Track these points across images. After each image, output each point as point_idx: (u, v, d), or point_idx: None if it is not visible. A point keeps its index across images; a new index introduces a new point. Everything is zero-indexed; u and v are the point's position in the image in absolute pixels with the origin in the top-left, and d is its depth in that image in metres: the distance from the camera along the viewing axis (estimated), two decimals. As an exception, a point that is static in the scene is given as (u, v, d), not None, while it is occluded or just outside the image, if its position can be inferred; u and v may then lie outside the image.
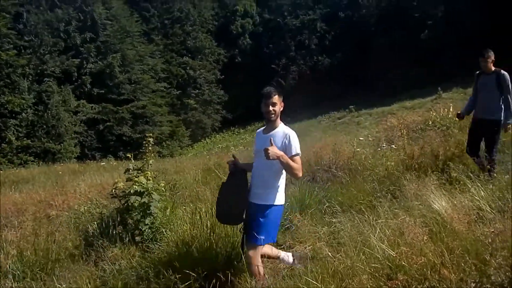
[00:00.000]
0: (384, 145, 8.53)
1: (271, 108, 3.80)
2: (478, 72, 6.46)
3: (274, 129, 3.89)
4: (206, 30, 52.86)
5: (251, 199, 3.92)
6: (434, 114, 11.47)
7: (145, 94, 40.83)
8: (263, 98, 3.82)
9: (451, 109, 11.06)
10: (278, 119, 3.90)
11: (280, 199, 3.88)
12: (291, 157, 3.70)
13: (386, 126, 12.67)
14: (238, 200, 3.93)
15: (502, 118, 6.11)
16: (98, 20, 40.18)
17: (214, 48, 52.18)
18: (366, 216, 4.30)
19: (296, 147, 3.75)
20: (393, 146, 8.10)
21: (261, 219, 3.77)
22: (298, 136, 3.84)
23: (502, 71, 6.16)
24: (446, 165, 5.56)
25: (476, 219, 3.84)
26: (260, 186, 3.90)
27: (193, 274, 3.76)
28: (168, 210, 6.04)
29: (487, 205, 4.11)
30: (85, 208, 7.18)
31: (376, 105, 30.33)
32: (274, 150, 3.56)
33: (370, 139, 10.70)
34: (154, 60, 44.29)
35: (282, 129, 3.87)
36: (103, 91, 38.70)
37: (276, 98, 3.80)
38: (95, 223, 6.02)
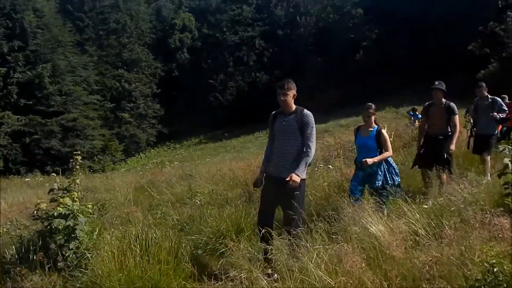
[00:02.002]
0: (321, 164, 8.60)
1: None
2: (274, 112, 4.77)
3: None
4: (143, 43, 51.98)
5: None
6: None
7: (77, 107, 39.00)
8: None
9: (385, 129, 11.44)
10: None
11: None
12: None
13: (322, 145, 12.88)
14: None
15: (304, 177, 4.59)
16: (28, 28, 37.97)
17: (151, 62, 51.38)
18: (303, 241, 4.22)
19: None
20: (330, 166, 8.17)
21: None
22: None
23: (306, 110, 4.60)
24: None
25: (412, 244, 3.85)
26: None
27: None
28: (95, 233, 5.66)
29: (423, 229, 4.14)
30: (4, 229, 6.55)
31: (313, 122, 31.07)
32: None
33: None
34: (87, 71, 42.57)
35: None
36: (31, 102, 36.40)
37: None
38: (13, 247, 5.48)
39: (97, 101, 42.32)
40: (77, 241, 5.14)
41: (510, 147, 4.51)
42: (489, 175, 6.88)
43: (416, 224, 4.25)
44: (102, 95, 43.91)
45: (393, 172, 5.69)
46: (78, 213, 5.27)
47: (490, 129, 7.91)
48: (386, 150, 5.66)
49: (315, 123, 4.78)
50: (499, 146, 4.61)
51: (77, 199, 5.50)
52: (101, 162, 38.58)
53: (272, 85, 47.51)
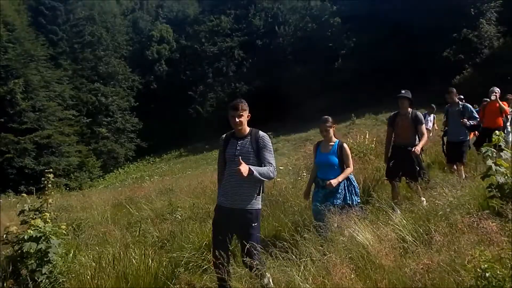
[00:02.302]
0: (304, 173, 8.44)
1: None
2: (225, 135, 4.41)
3: None
4: (119, 56, 51.49)
5: None
6: (351, 141, 11.76)
7: (51, 123, 38.20)
8: None
9: (367, 136, 11.42)
10: None
11: None
12: None
13: (305, 153, 12.76)
14: None
15: (259, 207, 4.24)
16: (-2, 42, 37.33)
17: (128, 74, 50.87)
18: (289, 254, 4.03)
19: None
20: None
21: None
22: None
23: (261, 132, 4.22)
24: (367, 194, 5.51)
25: (402, 252, 3.74)
26: None
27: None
28: (70, 255, 5.40)
29: (410, 236, 4.03)
30: (-30, 256, 6.18)
31: (294, 131, 31.13)
32: None
33: (290, 167, 10.64)
34: (61, 86, 41.90)
35: None
36: (2, 120, 35.56)
37: None
38: (-21, 275, 5.15)
39: (73, 117, 41.60)
40: (50, 265, 4.91)
41: (492, 149, 4.45)
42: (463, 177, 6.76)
43: (403, 231, 4.16)
44: (77, 110, 43.15)
45: (353, 191, 5.35)
46: (50, 235, 5.10)
47: (460, 135, 7.81)
48: (348, 166, 5.31)
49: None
50: (482, 148, 4.57)
51: (49, 220, 5.34)
52: (78, 179, 37.74)
53: (251, 96, 47.49)
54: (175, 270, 4.97)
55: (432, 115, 13.48)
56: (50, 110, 38.67)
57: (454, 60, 32.69)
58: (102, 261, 4.61)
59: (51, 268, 4.87)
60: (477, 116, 7.84)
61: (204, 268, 4.93)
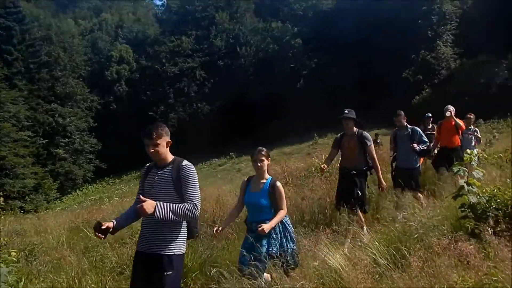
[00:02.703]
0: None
1: None
2: (148, 164, 3.69)
3: None
4: (77, 76, 50.32)
5: None
6: (317, 160, 11.71)
7: (5, 144, 36.54)
8: None
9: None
10: None
11: None
12: None
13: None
14: None
15: (181, 252, 3.49)
16: (-52, 63, 35.70)
17: (87, 95, 49.85)
18: (258, 280, 3.82)
19: None
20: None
21: None
22: None
23: (185, 162, 3.49)
24: (335, 216, 5.37)
25: (377, 277, 3.57)
26: None
27: None
28: (21, 284, 5.01)
29: (384, 259, 3.87)
30: None
31: (256, 150, 31.01)
32: None
33: (254, 187, 10.45)
34: (16, 106, 40.20)
35: None
36: (-47, 142, 33.83)
37: None
38: None
39: (28, 138, 39.99)
40: (-2, 296, 4.58)
41: (464, 168, 4.43)
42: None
43: (376, 254, 4.00)
44: (33, 131, 41.61)
45: (289, 236, 4.54)
46: (-2, 263, 4.69)
47: (410, 161, 7.30)
48: (281, 208, 4.47)
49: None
50: (453, 168, 4.53)
51: (-3, 247, 4.92)
52: (33, 201, 36.30)
53: (214, 116, 46.88)
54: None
55: None
56: (4, 131, 37.03)
57: (413, 81, 33.89)
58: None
59: (-1, 300, 4.51)
60: (427, 140, 7.43)
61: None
